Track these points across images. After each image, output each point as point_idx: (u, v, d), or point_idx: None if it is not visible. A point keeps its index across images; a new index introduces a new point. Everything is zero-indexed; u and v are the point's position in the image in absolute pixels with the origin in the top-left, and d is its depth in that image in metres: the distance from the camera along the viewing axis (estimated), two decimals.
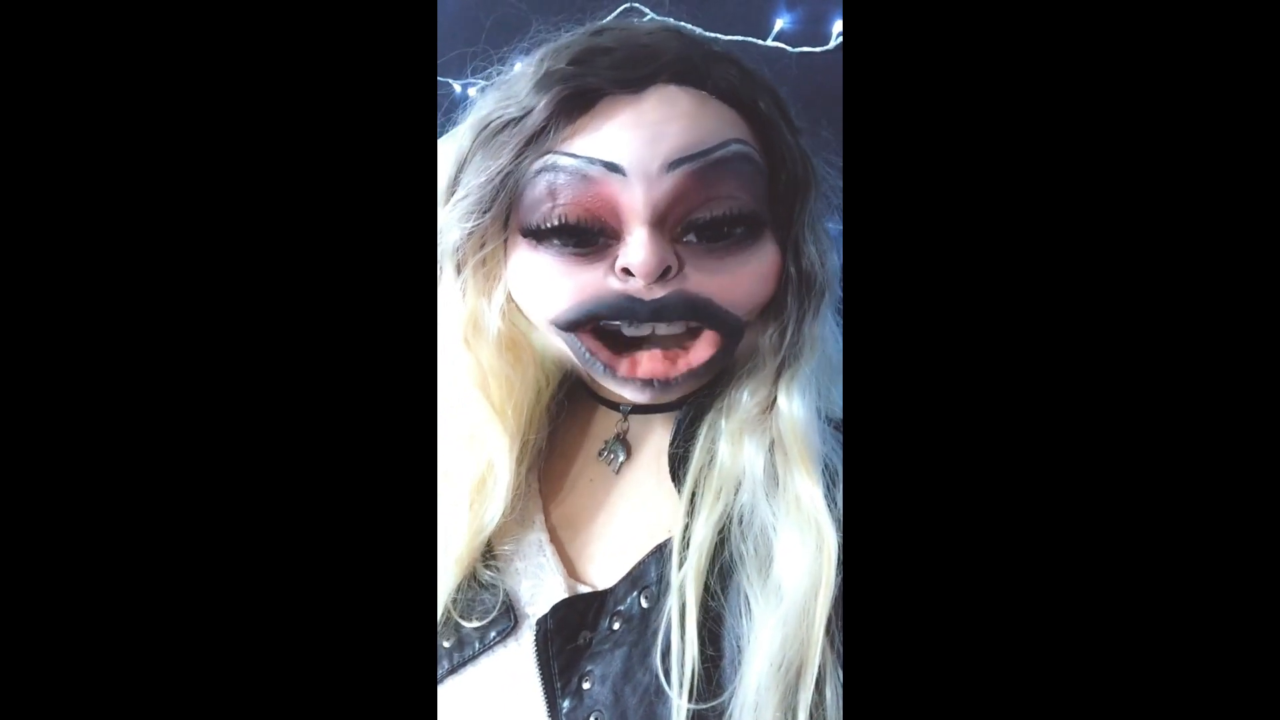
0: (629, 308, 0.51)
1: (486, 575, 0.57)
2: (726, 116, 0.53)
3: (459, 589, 0.56)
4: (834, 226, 0.57)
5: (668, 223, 0.51)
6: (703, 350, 0.53)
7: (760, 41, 0.93)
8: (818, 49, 0.92)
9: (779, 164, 0.54)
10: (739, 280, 0.53)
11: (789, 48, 0.92)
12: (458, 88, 0.88)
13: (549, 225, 0.51)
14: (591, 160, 0.50)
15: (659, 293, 0.51)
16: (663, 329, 0.53)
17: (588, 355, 0.54)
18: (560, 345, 0.56)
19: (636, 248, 0.50)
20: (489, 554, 0.57)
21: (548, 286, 0.53)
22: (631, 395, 0.54)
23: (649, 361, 0.53)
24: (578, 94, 0.51)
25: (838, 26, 0.92)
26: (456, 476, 0.57)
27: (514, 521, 0.58)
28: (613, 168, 0.50)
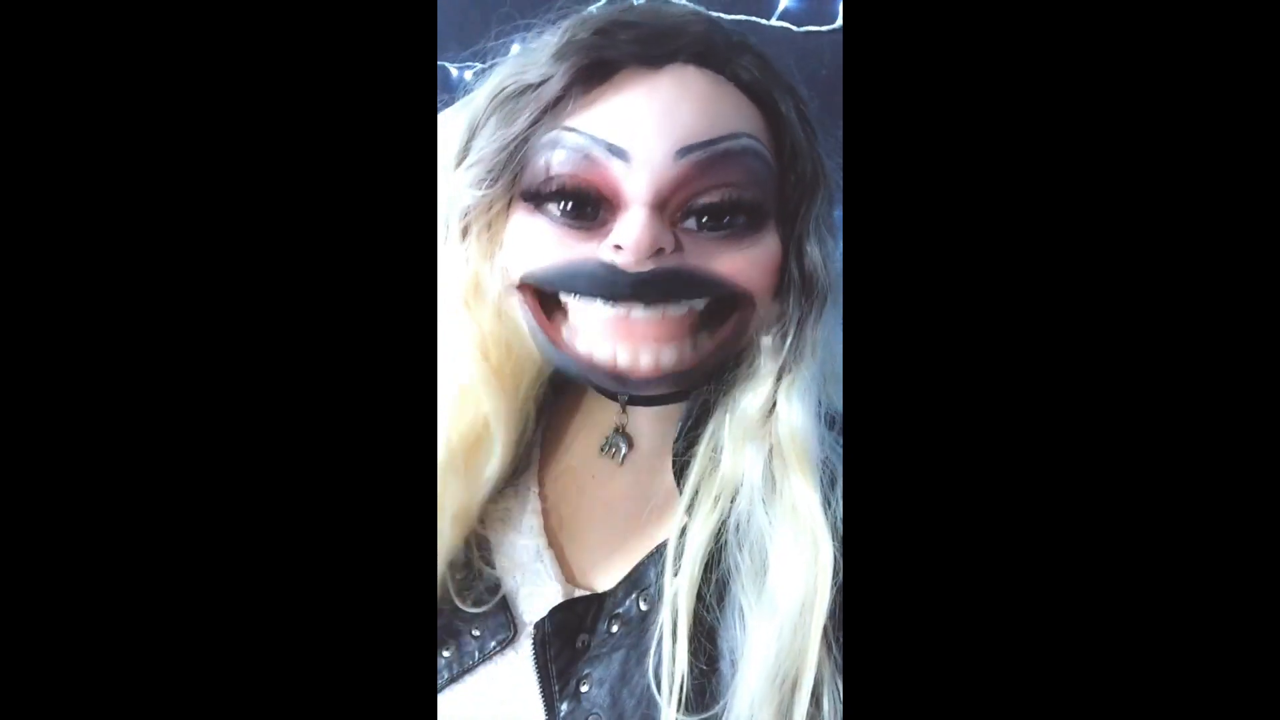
0: (609, 280, 0.50)
1: (483, 547, 0.56)
2: (741, 106, 0.52)
3: (455, 563, 0.56)
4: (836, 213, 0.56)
5: (668, 208, 0.50)
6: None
7: (764, 21, 0.91)
8: (824, 28, 0.91)
9: (789, 163, 0.54)
10: (736, 264, 0.52)
11: (794, 26, 0.91)
12: (454, 71, 0.87)
13: (548, 190, 0.51)
14: (596, 140, 0.50)
15: (646, 267, 0.50)
16: (639, 312, 0.51)
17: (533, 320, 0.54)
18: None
19: (631, 225, 0.49)
20: (485, 520, 0.57)
21: (536, 245, 0.52)
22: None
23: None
24: (596, 64, 0.51)
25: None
26: (452, 436, 0.56)
27: (510, 528, 0.58)
28: (617, 151, 0.49)
